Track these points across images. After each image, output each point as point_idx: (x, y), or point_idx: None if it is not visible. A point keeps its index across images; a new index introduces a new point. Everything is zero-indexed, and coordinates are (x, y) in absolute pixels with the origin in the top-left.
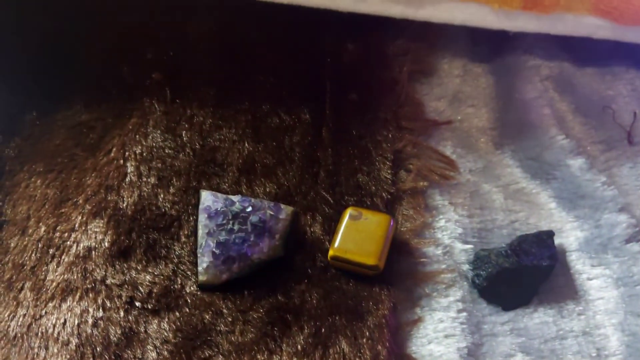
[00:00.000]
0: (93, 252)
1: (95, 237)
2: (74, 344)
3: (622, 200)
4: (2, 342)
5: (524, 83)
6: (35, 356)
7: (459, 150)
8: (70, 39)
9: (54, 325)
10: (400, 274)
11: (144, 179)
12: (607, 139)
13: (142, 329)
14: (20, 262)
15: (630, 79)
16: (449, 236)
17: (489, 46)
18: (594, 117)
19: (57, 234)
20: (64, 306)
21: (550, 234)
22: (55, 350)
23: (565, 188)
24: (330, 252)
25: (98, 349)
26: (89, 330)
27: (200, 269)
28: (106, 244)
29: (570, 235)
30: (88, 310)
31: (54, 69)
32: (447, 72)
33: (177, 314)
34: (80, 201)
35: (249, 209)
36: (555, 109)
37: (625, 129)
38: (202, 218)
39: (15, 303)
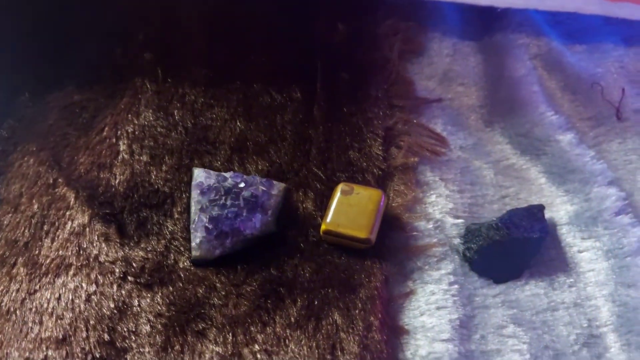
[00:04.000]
0: (87, 229)
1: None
2: (68, 318)
3: (611, 174)
4: None
5: (513, 61)
6: (29, 330)
7: (450, 127)
8: (62, 21)
9: (48, 300)
10: (392, 248)
11: (137, 157)
12: (596, 115)
13: (136, 303)
14: (13, 238)
15: (618, 56)
16: (440, 211)
17: (478, 25)
18: (582, 94)
19: (52, 212)
20: (58, 282)
21: (540, 208)
22: (50, 325)
23: (554, 163)
24: (323, 227)
25: (91, 322)
26: (82, 305)
27: (193, 244)
28: (99, 220)
29: (560, 209)
30: (82, 285)
31: (46, 51)
32: (437, 51)
33: (171, 288)
34: (74, 179)
35: (242, 184)
36: (544, 86)
37: (613, 105)
38: (195, 194)
39: (8, 278)
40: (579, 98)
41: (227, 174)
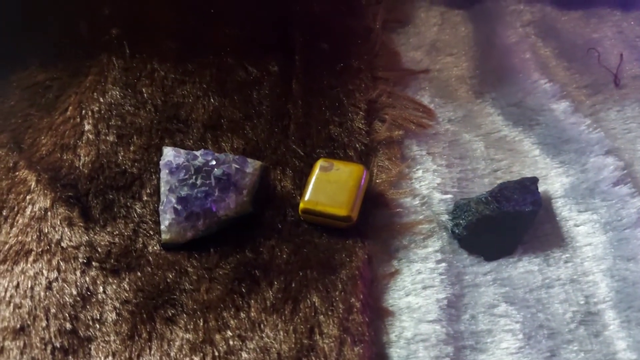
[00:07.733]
0: (49, 213)
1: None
2: (27, 306)
3: (609, 143)
4: None
5: (505, 29)
6: None
7: (438, 100)
8: None
9: (6, 289)
10: (375, 226)
11: (102, 137)
12: (592, 83)
13: (101, 290)
14: None
15: (616, 21)
16: (427, 186)
17: None
18: (578, 61)
19: (12, 196)
20: (17, 269)
21: (534, 180)
22: (7, 314)
23: (549, 133)
24: (301, 205)
25: (52, 310)
26: (42, 293)
27: (162, 227)
28: (62, 204)
29: (555, 181)
30: (42, 272)
31: (8, 29)
32: (424, 20)
33: (139, 273)
34: (35, 161)
35: (212, 162)
36: (537, 54)
37: (611, 71)
38: (164, 174)
39: None
40: (574, 65)
41: (198, 152)
